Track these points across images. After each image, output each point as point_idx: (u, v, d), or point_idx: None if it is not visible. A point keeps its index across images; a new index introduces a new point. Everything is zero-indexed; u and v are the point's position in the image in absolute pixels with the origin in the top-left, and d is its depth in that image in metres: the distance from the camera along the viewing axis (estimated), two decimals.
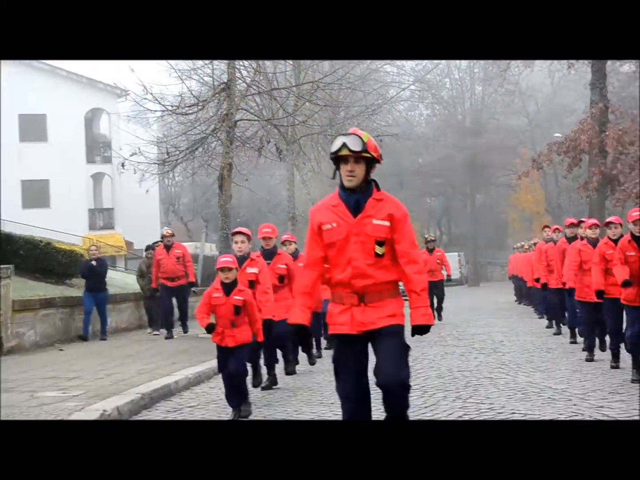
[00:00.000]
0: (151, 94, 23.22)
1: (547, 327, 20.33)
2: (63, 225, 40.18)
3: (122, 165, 23.93)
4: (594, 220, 14.55)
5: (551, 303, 19.48)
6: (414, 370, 13.27)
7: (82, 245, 36.16)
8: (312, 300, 6.52)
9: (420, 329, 6.41)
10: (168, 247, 19.62)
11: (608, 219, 12.98)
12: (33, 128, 45.66)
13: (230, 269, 9.65)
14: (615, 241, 12.14)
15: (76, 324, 19.33)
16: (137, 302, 22.75)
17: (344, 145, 6.12)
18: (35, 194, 45.15)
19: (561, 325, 18.85)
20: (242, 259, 10.73)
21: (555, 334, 18.78)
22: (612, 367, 12.65)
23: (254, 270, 10.84)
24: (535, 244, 24.83)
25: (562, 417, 9.03)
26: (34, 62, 44.69)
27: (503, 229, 73.34)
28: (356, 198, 6.30)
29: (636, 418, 8.96)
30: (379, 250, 6.26)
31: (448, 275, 24.87)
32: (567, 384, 11.40)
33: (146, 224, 49.17)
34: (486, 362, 14.17)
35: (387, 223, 6.27)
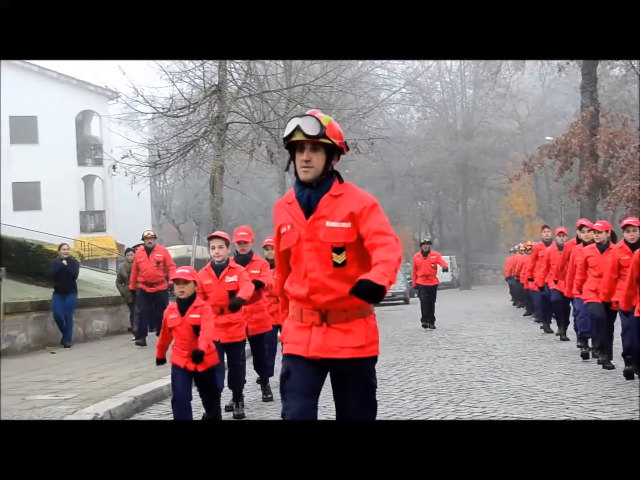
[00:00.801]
0: (142, 96, 23.24)
1: (545, 329, 19.56)
2: (54, 227, 40.09)
3: (114, 167, 23.88)
4: (598, 224, 13.46)
5: (555, 304, 17.65)
6: (406, 374, 13.37)
7: (73, 248, 36.12)
8: None
9: (364, 286, 4.61)
10: (149, 250, 18.32)
11: (626, 221, 11.94)
12: (24, 130, 45.57)
13: (186, 282, 8.69)
14: (632, 245, 11.28)
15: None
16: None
17: (298, 128, 5.08)
18: (26, 196, 45.04)
19: (562, 327, 17.78)
20: (219, 267, 9.92)
21: (562, 339, 17.57)
22: (626, 373, 11.76)
23: (234, 278, 9.90)
24: (531, 246, 24.46)
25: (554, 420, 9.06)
26: (24, 64, 44.67)
27: (495, 232, 73.52)
28: (307, 195, 5.20)
29: (628, 419, 8.99)
30: (337, 258, 5.14)
31: (444, 267, 22.72)
32: (560, 388, 11.41)
33: (138, 227, 48.81)
34: (478, 365, 14.18)
35: (346, 225, 5.12)
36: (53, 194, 46.40)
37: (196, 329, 8.66)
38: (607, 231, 12.96)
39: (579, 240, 14.57)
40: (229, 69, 23.06)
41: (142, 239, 18.64)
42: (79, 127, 51.30)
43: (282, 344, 5.66)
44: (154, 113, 24.73)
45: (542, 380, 12.20)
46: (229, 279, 9.96)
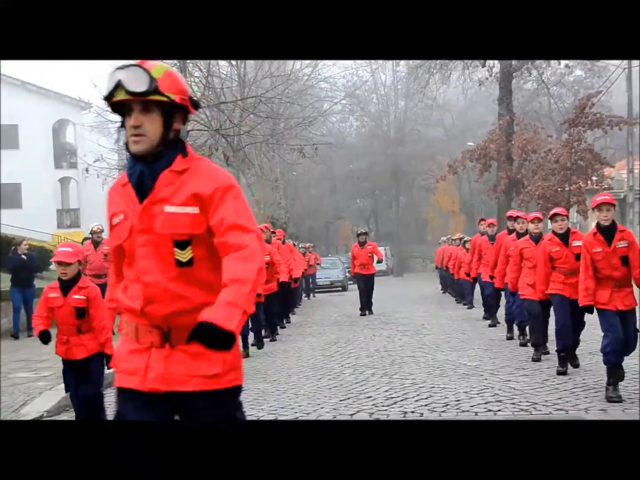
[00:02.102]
0: None
1: (485, 317, 17.52)
2: (34, 224, 39.72)
3: (87, 170, 23.55)
4: (536, 214, 11.79)
5: (487, 295, 16.64)
6: (346, 351, 13.37)
7: (51, 242, 35.75)
8: None
9: (205, 331, 3.11)
10: (96, 244, 16.88)
11: (554, 210, 10.21)
12: (6, 137, 44.85)
13: (68, 264, 6.89)
14: (562, 236, 9.84)
15: None
16: None
17: (120, 85, 3.35)
18: (8, 196, 44.31)
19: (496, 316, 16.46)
20: None
21: (490, 326, 16.32)
22: (559, 373, 9.93)
23: None
24: (460, 238, 24.04)
25: (475, 390, 9.12)
26: (8, 78, 44.11)
27: (423, 226, 73.82)
28: (139, 172, 3.47)
29: (538, 389, 9.07)
30: (180, 255, 3.41)
31: (379, 259, 21.63)
32: (480, 361, 11.50)
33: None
34: (409, 342, 14.24)
35: (191, 210, 3.41)
36: (32, 194, 45.82)
37: (79, 312, 6.96)
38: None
39: (510, 231, 13.32)
40: (189, 82, 22.88)
41: (91, 233, 17.22)
42: (56, 134, 50.67)
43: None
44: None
45: (465, 355, 12.28)
46: None
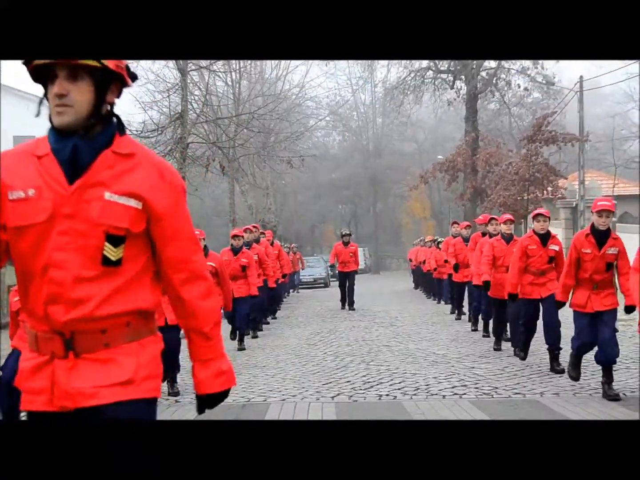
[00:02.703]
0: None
1: (451, 312, 17.37)
2: None
3: None
4: (508, 216, 11.32)
5: (456, 294, 16.45)
6: (328, 340, 13.35)
7: None
8: None
9: (212, 400, 2.83)
10: None
11: (537, 211, 9.50)
12: None
13: None
14: (541, 235, 9.21)
15: None
16: None
17: None
18: None
19: (463, 313, 16.16)
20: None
21: (457, 319, 16.17)
22: (516, 354, 10.19)
23: None
24: (433, 240, 23.97)
25: (443, 375, 9.13)
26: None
27: (398, 230, 73.92)
28: (74, 145, 2.58)
29: (499, 374, 9.08)
30: (111, 252, 2.56)
31: (355, 270, 20.99)
32: (447, 350, 11.51)
33: None
34: (384, 333, 14.24)
35: (135, 204, 2.58)
36: None
37: None
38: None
39: (482, 234, 12.74)
40: (189, 100, 22.81)
41: None
42: None
43: None
44: (128, 134, 24.36)
45: (434, 344, 12.29)
46: None
